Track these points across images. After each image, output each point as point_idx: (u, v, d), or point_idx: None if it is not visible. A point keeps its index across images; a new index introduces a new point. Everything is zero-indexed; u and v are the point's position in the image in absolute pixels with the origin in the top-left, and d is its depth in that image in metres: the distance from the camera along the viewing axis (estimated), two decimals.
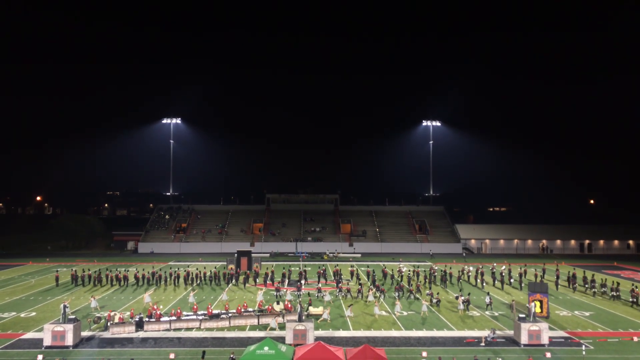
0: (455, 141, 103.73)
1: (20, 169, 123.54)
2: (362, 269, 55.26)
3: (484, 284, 45.59)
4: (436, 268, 51.85)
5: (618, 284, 41.55)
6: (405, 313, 33.93)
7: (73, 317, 28.02)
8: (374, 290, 40.00)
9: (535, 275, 47.25)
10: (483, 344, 27.16)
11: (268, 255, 72.09)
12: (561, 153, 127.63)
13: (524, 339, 26.77)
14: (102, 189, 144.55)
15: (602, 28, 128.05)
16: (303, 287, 42.87)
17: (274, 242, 79.24)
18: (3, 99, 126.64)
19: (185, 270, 49.81)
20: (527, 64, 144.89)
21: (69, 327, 26.31)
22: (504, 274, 46.84)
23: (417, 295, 40.15)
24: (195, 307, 33.15)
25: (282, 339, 26.83)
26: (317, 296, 39.46)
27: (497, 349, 26.33)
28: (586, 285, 43.48)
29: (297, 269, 52.98)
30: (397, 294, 39.63)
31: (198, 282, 46.28)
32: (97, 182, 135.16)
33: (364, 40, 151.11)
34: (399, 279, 47.07)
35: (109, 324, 29.33)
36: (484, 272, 48.21)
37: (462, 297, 36.41)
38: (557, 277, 46.95)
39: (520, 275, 47.11)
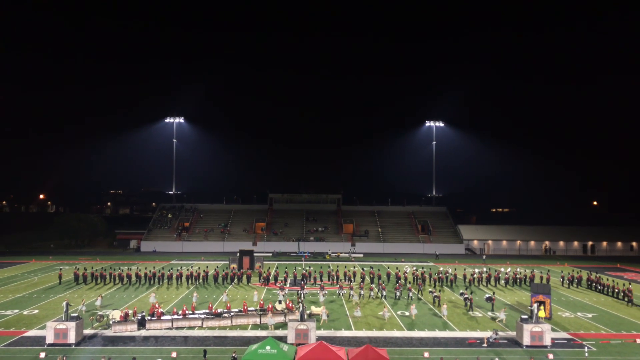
0: (458, 142, 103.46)
1: (23, 167, 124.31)
2: (365, 269, 55.13)
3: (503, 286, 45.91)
4: (447, 271, 49.33)
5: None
6: (409, 314, 33.78)
7: (75, 315, 28.08)
8: (377, 290, 39.91)
9: (541, 278, 47.49)
10: (485, 344, 27.11)
11: (270, 254, 72.13)
12: (564, 154, 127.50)
13: (527, 340, 26.71)
14: (105, 188, 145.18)
15: (604, 26, 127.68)
16: (306, 287, 42.78)
17: (276, 242, 79.23)
18: (6, 97, 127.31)
19: (188, 270, 49.85)
20: (531, 64, 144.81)
21: (72, 325, 26.37)
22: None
23: (420, 296, 40.04)
24: (192, 306, 33.04)
25: (284, 339, 26.84)
26: (319, 295, 39.35)
27: (500, 350, 26.29)
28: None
29: (300, 268, 52.87)
30: (397, 293, 39.45)
31: (200, 281, 46.28)
32: (100, 180, 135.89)
33: (368, 40, 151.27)
34: (403, 280, 46.48)
35: (111, 322, 29.35)
36: (515, 278, 47.23)
37: (466, 295, 36.29)
38: (563, 279, 47.29)
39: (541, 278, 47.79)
